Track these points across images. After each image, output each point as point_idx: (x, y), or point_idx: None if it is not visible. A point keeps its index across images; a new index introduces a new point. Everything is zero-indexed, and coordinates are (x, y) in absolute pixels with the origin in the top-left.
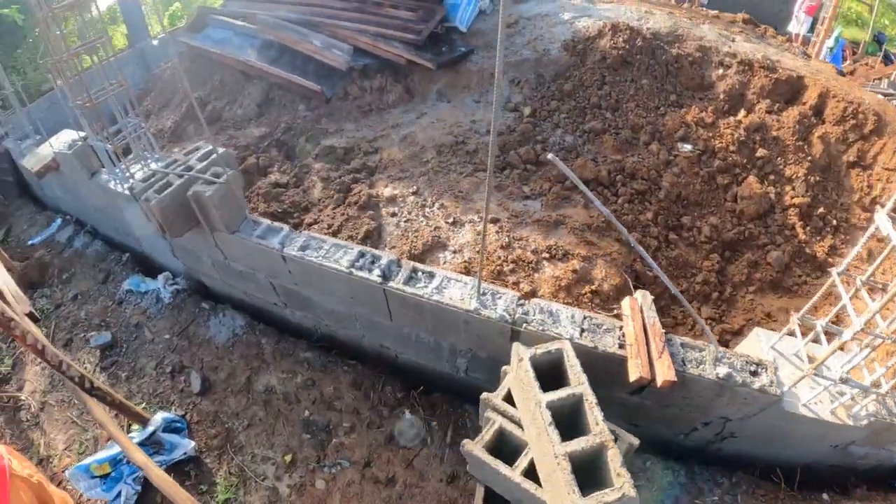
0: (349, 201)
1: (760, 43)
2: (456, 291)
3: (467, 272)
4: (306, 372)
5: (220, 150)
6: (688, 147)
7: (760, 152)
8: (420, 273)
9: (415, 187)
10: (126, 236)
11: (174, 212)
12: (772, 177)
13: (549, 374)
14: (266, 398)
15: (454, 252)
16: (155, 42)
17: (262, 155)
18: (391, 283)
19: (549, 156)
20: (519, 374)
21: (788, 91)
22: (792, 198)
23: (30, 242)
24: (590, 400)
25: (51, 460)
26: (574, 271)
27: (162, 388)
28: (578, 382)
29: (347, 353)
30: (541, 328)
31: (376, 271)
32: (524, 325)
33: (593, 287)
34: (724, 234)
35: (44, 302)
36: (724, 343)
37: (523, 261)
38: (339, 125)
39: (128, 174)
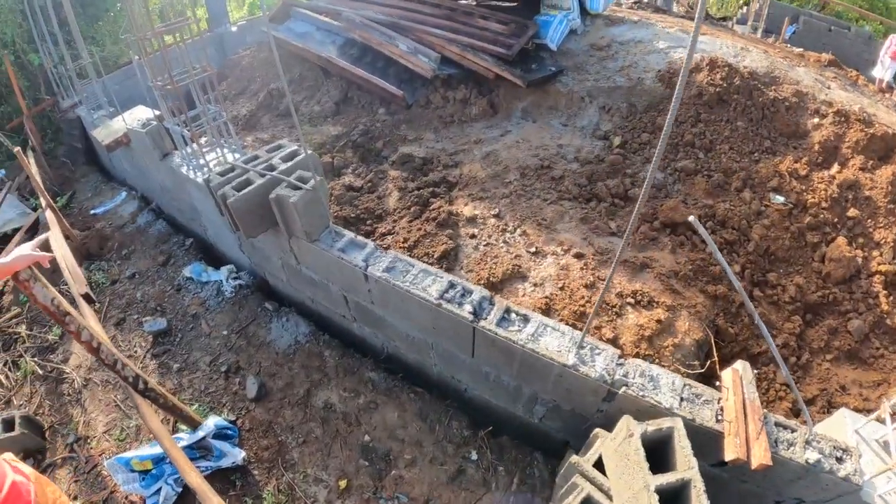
0: (427, 216)
1: (854, 92)
2: (553, 341)
3: (547, 309)
4: (370, 393)
5: (307, 151)
6: (780, 199)
7: (852, 212)
8: (514, 314)
9: (496, 209)
10: (191, 221)
11: (252, 212)
12: (861, 239)
13: (651, 448)
14: (324, 415)
15: (535, 285)
16: (234, 28)
17: (336, 155)
18: (482, 323)
19: (691, 218)
20: (624, 448)
21: (883, 148)
22: (879, 264)
23: (92, 212)
24: (698, 487)
25: (88, 441)
26: (658, 321)
27: (214, 388)
28: (688, 467)
29: (413, 378)
30: (640, 393)
31: (467, 307)
32: (623, 387)
33: (676, 340)
34: (807, 295)
35: (100, 276)
36: (797, 413)
37: (607, 304)
38: (418, 133)
39: (203, 163)
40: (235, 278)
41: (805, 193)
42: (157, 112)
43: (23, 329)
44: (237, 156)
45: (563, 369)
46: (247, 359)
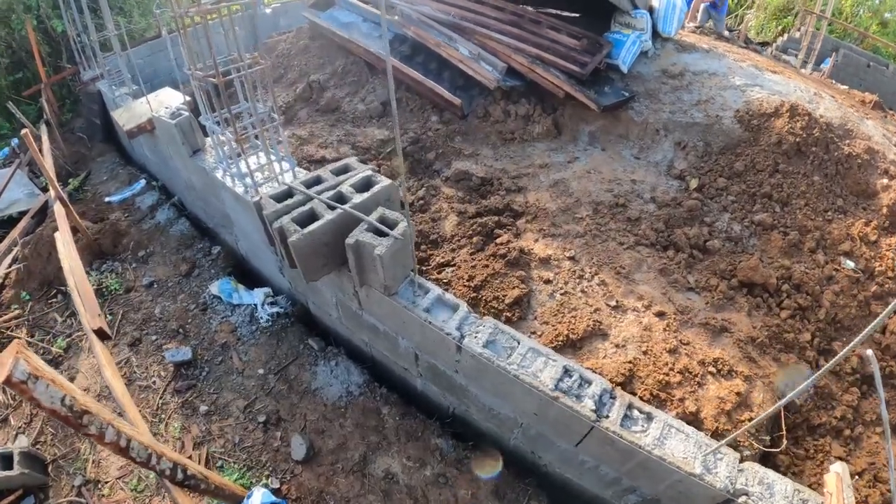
0: (493, 251)
1: None
2: (678, 445)
3: (630, 376)
4: (438, 464)
5: (383, 179)
6: (851, 264)
7: None
8: (636, 412)
9: (571, 251)
10: (221, 228)
11: (317, 253)
12: None
13: None
14: (386, 488)
15: (616, 346)
16: (268, 10)
17: (383, 162)
18: (605, 423)
19: (868, 352)
20: None
21: None
22: None
23: (106, 199)
24: None
25: (99, 487)
26: (738, 394)
27: (251, 441)
28: None
29: (483, 445)
30: (759, 502)
31: (588, 402)
32: (742, 496)
33: (752, 414)
34: (867, 366)
35: (112, 280)
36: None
37: (689, 372)
38: (474, 148)
39: (246, 172)
40: (272, 304)
41: (873, 260)
42: (188, 98)
43: (23, 334)
44: (292, 173)
45: (687, 477)
46: (289, 408)
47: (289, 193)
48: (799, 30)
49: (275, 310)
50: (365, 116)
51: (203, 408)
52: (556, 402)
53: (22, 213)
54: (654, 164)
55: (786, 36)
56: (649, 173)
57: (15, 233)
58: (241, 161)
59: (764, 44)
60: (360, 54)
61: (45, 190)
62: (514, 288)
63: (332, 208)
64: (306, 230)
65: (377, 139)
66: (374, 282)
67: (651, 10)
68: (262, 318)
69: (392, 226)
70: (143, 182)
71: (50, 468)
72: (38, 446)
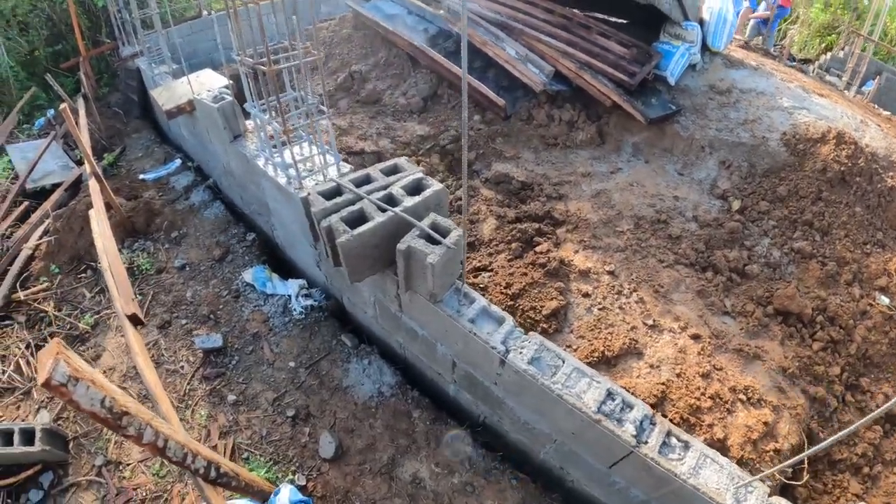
0: (532, 259)
1: None
2: (712, 476)
3: (662, 398)
4: (466, 473)
5: (434, 183)
6: (885, 300)
7: None
8: (675, 439)
9: (611, 265)
10: (257, 215)
11: (365, 255)
12: None
13: None
14: (413, 492)
15: (651, 367)
16: None
17: (422, 159)
18: (644, 449)
19: None
20: None
21: None
22: None
23: (141, 177)
24: None
25: (120, 469)
26: (765, 423)
27: (278, 435)
28: None
29: (512, 456)
30: None
31: (629, 426)
32: None
33: (776, 445)
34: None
35: (144, 260)
36: None
37: (720, 398)
38: (516, 150)
39: (290, 163)
40: (307, 297)
41: None
42: (229, 81)
43: (50, 307)
44: (336, 167)
45: None
46: (319, 404)
47: (337, 191)
48: (843, 49)
49: (309, 302)
50: (405, 111)
51: (231, 397)
52: (597, 424)
53: (55, 186)
54: (698, 182)
55: (829, 55)
56: (692, 191)
57: (47, 205)
58: (285, 151)
59: (806, 61)
60: (403, 47)
61: (79, 163)
62: (552, 299)
63: (383, 210)
64: (356, 232)
65: (417, 134)
66: (420, 288)
67: (701, 23)
68: (295, 309)
69: (444, 233)
70: (178, 162)
71: (71, 445)
72: (59, 422)
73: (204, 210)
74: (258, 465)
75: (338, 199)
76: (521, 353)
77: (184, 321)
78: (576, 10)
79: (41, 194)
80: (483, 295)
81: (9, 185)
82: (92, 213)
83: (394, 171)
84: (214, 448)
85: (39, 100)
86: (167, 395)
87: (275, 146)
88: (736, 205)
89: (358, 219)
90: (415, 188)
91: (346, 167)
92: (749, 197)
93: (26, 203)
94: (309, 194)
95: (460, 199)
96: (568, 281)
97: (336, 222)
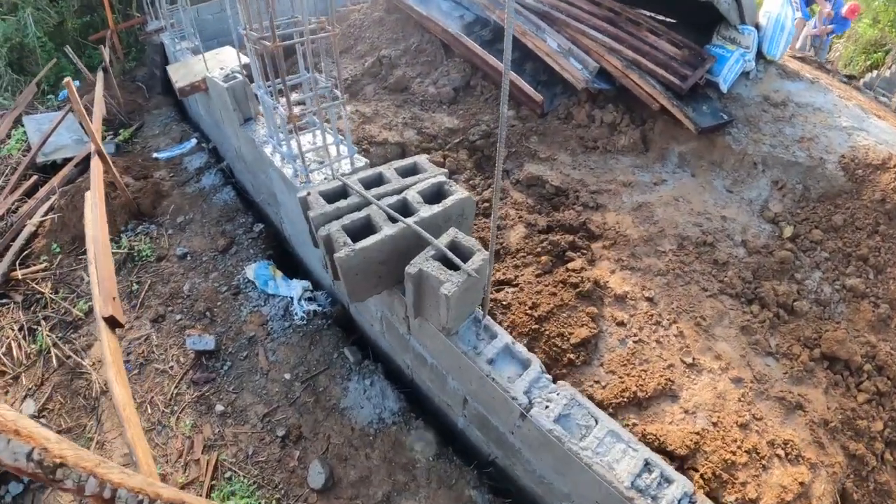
0: (563, 277)
1: None
2: None
3: (696, 449)
4: None
5: (458, 190)
6: None
7: None
8: None
9: (650, 291)
10: (266, 205)
11: (367, 271)
12: None
13: None
14: None
15: (685, 412)
16: None
17: (449, 155)
18: None
19: None
20: None
21: None
22: None
23: (154, 155)
24: None
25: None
26: (801, 483)
27: (265, 455)
28: None
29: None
30: None
31: None
32: None
33: None
34: None
35: (145, 246)
36: None
37: (757, 452)
38: (551, 151)
39: (297, 154)
40: (310, 300)
41: None
42: (246, 60)
43: (47, 289)
44: (350, 161)
45: None
46: (312, 425)
47: (343, 192)
48: (890, 68)
49: (312, 307)
50: (435, 101)
51: (219, 407)
52: (628, 502)
53: (66, 160)
54: (748, 202)
55: (875, 73)
56: (742, 211)
57: (55, 180)
58: (292, 140)
59: (850, 77)
60: (436, 33)
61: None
62: (582, 326)
63: (394, 220)
64: (358, 245)
65: (445, 127)
66: (431, 318)
67: (757, 28)
68: (296, 314)
69: (465, 256)
70: (193, 141)
71: None
72: (44, 413)
73: (213, 195)
74: (241, 489)
75: (341, 203)
76: (546, 407)
77: (178, 316)
78: (625, 6)
79: (52, 168)
80: (505, 313)
81: (20, 157)
82: (88, 195)
83: (412, 171)
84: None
85: (66, 71)
86: (139, 417)
87: (282, 134)
88: (788, 231)
89: (363, 228)
90: (435, 194)
91: (361, 160)
92: (802, 224)
93: (35, 177)
94: (308, 194)
95: (487, 201)
96: (601, 306)
97: (336, 232)
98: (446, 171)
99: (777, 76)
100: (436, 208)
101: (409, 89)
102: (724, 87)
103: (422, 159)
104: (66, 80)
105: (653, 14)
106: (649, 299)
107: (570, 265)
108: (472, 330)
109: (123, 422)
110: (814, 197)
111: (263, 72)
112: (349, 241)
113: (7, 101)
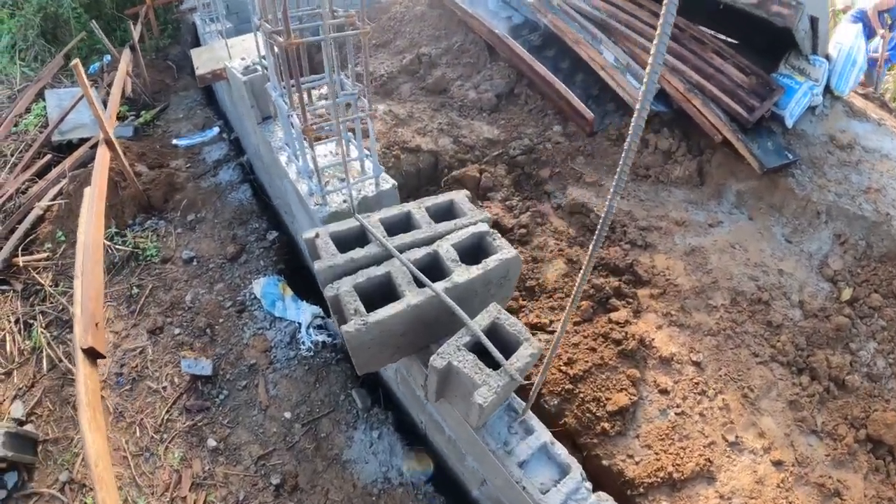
0: (605, 329)
1: None
2: None
3: None
4: None
5: (503, 245)
6: None
7: None
8: None
9: (699, 354)
10: (283, 212)
11: (384, 344)
12: None
13: None
14: None
15: (721, 498)
16: None
17: (486, 168)
18: None
19: None
20: None
21: None
22: None
23: (174, 142)
24: None
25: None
26: None
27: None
28: None
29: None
30: None
31: None
32: None
33: None
34: None
35: (151, 245)
36: None
37: None
38: (598, 176)
39: (312, 170)
40: (319, 329)
41: None
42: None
43: (47, 281)
44: (374, 182)
45: None
46: (310, 476)
47: (360, 236)
48: None
49: (321, 338)
50: (475, 107)
51: (212, 441)
52: None
53: (82, 141)
54: (808, 256)
55: None
56: (800, 266)
57: (68, 162)
58: (309, 154)
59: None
60: (481, 33)
61: (120, 119)
62: (621, 391)
63: (420, 283)
64: (373, 318)
65: (484, 137)
66: (457, 406)
67: (827, 58)
68: (304, 343)
69: (508, 346)
70: (216, 130)
71: (40, 448)
72: (32, 418)
73: (229, 193)
74: None
75: (356, 254)
76: None
77: (177, 330)
78: (689, 23)
79: (67, 148)
80: (535, 366)
81: (36, 134)
82: (87, 192)
83: (447, 212)
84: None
85: (99, 44)
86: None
87: (301, 144)
88: (846, 294)
89: (381, 287)
90: (474, 247)
91: (387, 181)
92: (862, 286)
93: (49, 156)
94: (317, 236)
95: (525, 226)
96: (644, 368)
97: (346, 294)
98: (489, 216)
99: (843, 114)
100: (474, 271)
101: (447, 92)
102: (789, 122)
103: (460, 197)
104: (73, 63)
105: (715, 33)
106: (696, 364)
107: (613, 315)
108: (505, 420)
109: (95, 482)
110: (876, 256)
111: (278, 70)
112: (361, 308)
113: (33, 71)
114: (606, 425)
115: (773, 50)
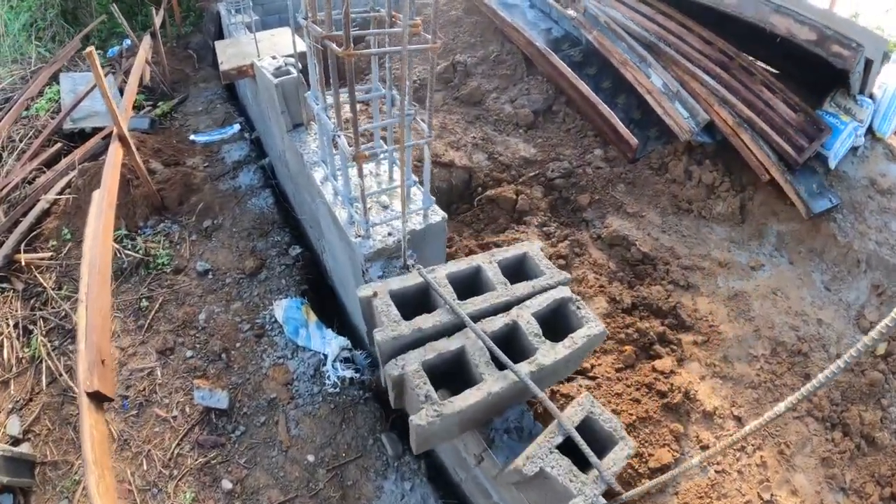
0: (649, 379)
1: None
2: None
3: None
4: None
5: (588, 316)
6: None
7: None
8: None
9: (740, 408)
10: (309, 227)
11: (448, 429)
12: None
13: None
14: None
15: None
16: None
17: (522, 189)
18: None
19: None
20: None
21: None
22: None
23: (192, 137)
24: None
25: None
26: None
27: None
28: None
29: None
30: None
31: None
32: None
33: None
34: None
35: (163, 253)
36: None
37: None
38: (639, 206)
39: (356, 196)
40: (346, 364)
41: None
42: (302, 47)
43: (50, 282)
44: (423, 215)
45: None
46: None
47: (423, 293)
48: None
49: (348, 373)
50: (510, 122)
51: (227, 483)
52: None
53: (95, 130)
54: (845, 306)
55: None
56: (838, 316)
57: (79, 153)
58: (352, 172)
59: None
60: (519, 44)
61: (136, 108)
62: (664, 446)
63: (499, 364)
64: (449, 410)
65: (521, 156)
66: (531, 498)
67: (871, 98)
68: (328, 377)
69: (602, 444)
70: (237, 127)
71: (37, 470)
72: (29, 436)
73: (249, 198)
74: None
75: (423, 323)
76: None
77: (189, 353)
78: (737, 50)
79: (79, 137)
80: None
81: (48, 120)
82: (95, 195)
83: (518, 268)
84: None
85: (119, 27)
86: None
87: (344, 165)
88: (881, 349)
89: (451, 364)
90: (552, 314)
91: (437, 213)
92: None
93: (59, 145)
94: (375, 295)
95: (563, 256)
96: (688, 422)
97: (415, 374)
98: (568, 277)
99: (884, 157)
100: (561, 351)
101: (482, 104)
102: (832, 163)
103: (535, 250)
104: (87, 50)
105: (759, 60)
106: (738, 419)
107: (657, 364)
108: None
109: None
110: None
111: (323, 81)
112: (433, 394)
113: (50, 52)
114: (647, 481)
115: (817, 83)
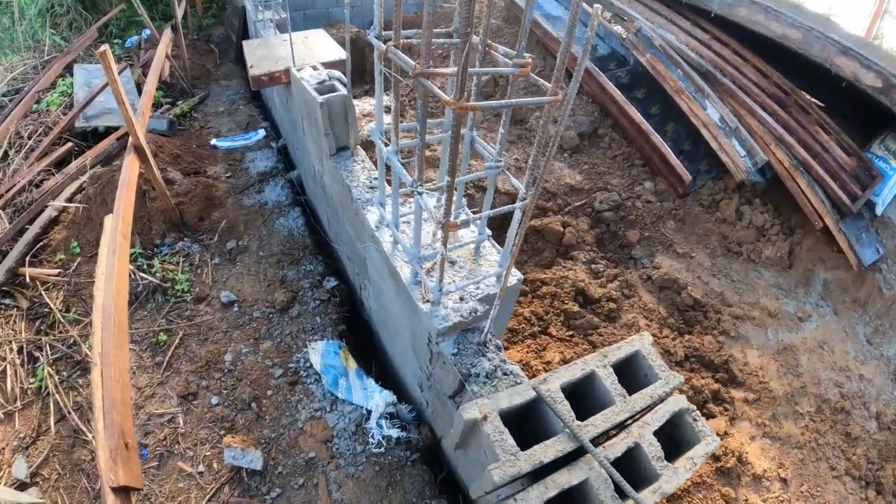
0: None
1: None
2: None
3: None
4: None
5: (707, 433)
6: None
7: None
8: None
9: (786, 470)
10: (347, 259)
11: None
12: None
13: None
14: None
15: None
16: None
17: (569, 221)
18: None
19: None
20: None
21: None
22: None
23: (213, 142)
24: None
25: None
26: None
27: None
28: None
29: None
30: None
31: None
32: None
33: None
34: None
35: (183, 273)
36: None
37: None
38: (689, 246)
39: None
40: (392, 417)
41: None
42: (342, 55)
43: (57, 301)
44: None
45: None
46: None
47: (533, 411)
48: None
49: (394, 431)
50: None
51: None
52: None
53: (109, 130)
54: (886, 361)
55: None
56: (879, 372)
57: (91, 154)
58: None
59: None
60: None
61: (154, 106)
62: None
63: (622, 494)
64: None
65: (566, 183)
66: None
67: None
68: (373, 434)
69: None
70: (261, 133)
71: None
72: (37, 480)
73: (277, 217)
74: None
75: (544, 454)
76: None
77: (214, 399)
78: (793, 86)
79: (92, 137)
80: None
81: (59, 116)
82: (108, 221)
83: (630, 367)
84: None
85: (138, 17)
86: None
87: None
88: None
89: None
90: (668, 424)
91: (514, 275)
92: None
93: (70, 144)
94: (485, 418)
95: (613, 299)
96: (738, 486)
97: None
98: (680, 378)
99: None
100: (682, 475)
101: (525, 122)
102: (879, 210)
103: (647, 346)
104: (100, 49)
105: (803, 90)
106: (783, 480)
107: (712, 424)
108: None
109: None
110: None
111: (396, 122)
112: None
113: (65, 40)
114: None
115: (857, 116)
